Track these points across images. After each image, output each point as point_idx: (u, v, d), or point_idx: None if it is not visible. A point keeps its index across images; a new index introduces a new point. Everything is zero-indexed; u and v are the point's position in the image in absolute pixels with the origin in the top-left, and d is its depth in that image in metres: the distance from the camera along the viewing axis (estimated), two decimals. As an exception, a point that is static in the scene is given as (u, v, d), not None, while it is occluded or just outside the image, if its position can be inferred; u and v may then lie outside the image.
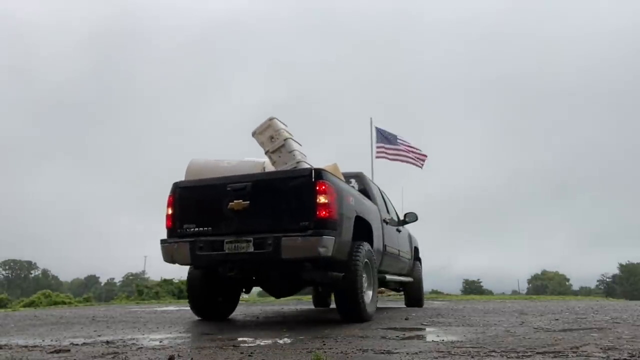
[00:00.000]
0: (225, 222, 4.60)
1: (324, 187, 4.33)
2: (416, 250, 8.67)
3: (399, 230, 7.25)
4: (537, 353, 2.92)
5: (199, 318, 5.56)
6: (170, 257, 4.77)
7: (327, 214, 4.30)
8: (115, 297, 27.17)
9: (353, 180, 6.51)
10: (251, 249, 4.36)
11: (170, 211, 4.90)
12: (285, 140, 5.15)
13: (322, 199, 4.30)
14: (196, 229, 4.72)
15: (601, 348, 3.09)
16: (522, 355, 2.85)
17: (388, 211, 7.00)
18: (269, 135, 5.21)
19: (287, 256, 4.22)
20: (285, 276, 5.13)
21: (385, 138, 14.90)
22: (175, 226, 4.84)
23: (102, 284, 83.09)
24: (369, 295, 5.09)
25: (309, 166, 4.97)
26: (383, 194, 7.39)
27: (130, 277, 68.09)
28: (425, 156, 15.06)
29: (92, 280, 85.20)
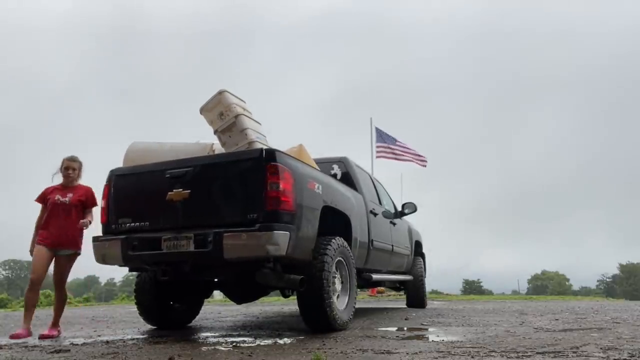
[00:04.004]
0: (164, 216, 3.96)
1: (276, 171, 3.63)
2: (418, 244, 7.93)
3: (393, 223, 6.55)
4: (537, 353, 2.92)
5: (155, 327, 4.94)
6: (101, 257, 4.17)
7: (280, 204, 3.61)
8: (115, 297, 27.19)
9: (335, 166, 5.76)
10: (192, 247, 3.73)
11: (104, 203, 4.30)
12: (236, 117, 4.38)
13: (273, 186, 3.61)
14: (132, 224, 4.10)
15: (601, 348, 3.09)
16: (522, 355, 2.85)
17: (380, 201, 6.35)
18: (219, 112, 4.43)
19: (230, 256, 3.57)
20: (239, 280, 4.55)
21: (384, 138, 14.94)
22: (110, 221, 4.23)
23: (102, 284, 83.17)
24: (343, 300, 4.41)
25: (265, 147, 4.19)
26: (375, 181, 6.68)
27: (131, 278, 68.01)
28: (425, 159, 15.08)
29: (92, 280, 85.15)
